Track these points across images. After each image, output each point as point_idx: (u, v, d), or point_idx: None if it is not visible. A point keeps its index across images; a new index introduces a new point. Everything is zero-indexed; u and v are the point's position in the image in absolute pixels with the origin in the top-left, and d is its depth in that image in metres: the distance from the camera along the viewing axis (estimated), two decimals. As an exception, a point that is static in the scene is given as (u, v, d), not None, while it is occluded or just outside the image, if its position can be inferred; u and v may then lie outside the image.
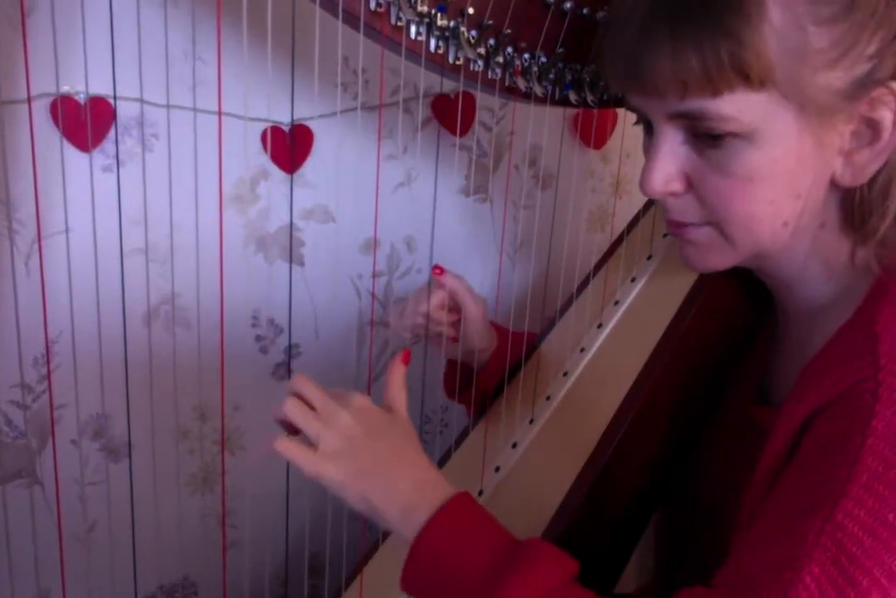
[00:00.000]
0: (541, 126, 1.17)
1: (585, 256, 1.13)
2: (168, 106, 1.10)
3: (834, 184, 0.76)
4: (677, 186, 0.78)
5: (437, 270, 1.04)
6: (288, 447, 0.78)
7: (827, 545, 0.63)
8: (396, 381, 0.85)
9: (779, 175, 0.74)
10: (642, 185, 0.79)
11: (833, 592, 0.62)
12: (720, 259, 0.82)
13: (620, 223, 1.21)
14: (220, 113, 0.96)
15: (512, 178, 1.30)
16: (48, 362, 1.12)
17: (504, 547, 0.74)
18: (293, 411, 0.80)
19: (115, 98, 1.07)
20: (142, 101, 1.08)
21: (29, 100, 1.02)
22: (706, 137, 0.74)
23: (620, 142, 1.33)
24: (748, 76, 0.70)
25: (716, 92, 0.71)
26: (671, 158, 0.77)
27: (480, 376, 1.07)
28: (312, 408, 0.80)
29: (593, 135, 1.30)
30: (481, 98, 1.22)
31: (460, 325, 1.04)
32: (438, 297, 1.03)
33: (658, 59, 0.72)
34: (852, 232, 0.78)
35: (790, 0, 0.69)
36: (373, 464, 0.78)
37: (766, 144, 0.73)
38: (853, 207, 0.77)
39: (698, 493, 0.93)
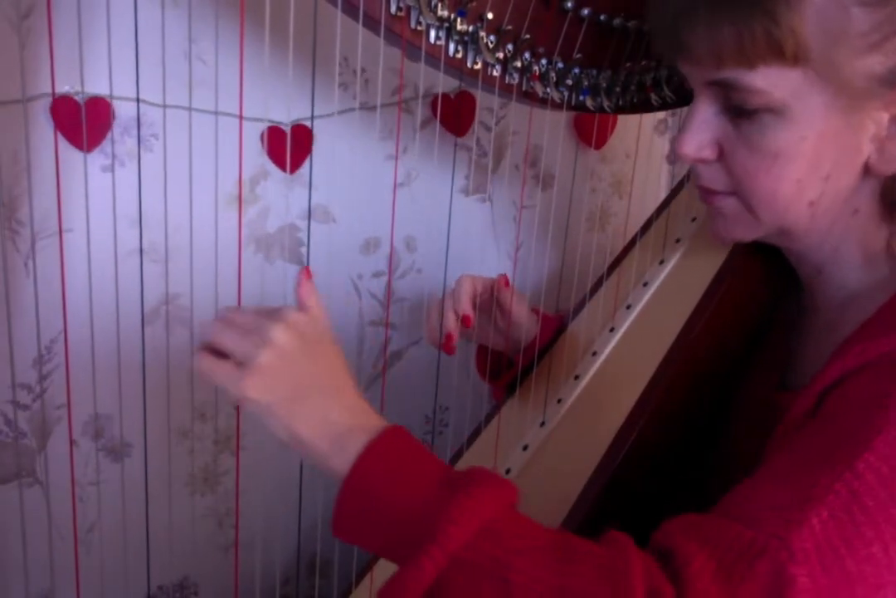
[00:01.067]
0: (541, 126, 1.17)
1: (586, 256, 1.14)
2: (166, 106, 1.09)
3: (868, 171, 0.77)
4: (708, 153, 0.80)
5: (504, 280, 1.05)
6: (211, 365, 0.72)
7: (842, 492, 0.64)
8: (310, 295, 0.78)
9: (805, 154, 0.75)
10: (677, 147, 0.80)
11: (837, 538, 0.62)
12: (745, 231, 0.84)
13: (621, 223, 1.22)
14: (240, 115, 0.95)
15: (512, 178, 1.30)
16: (46, 362, 1.11)
17: (446, 474, 0.70)
18: (219, 332, 0.73)
19: (111, 97, 1.06)
20: (137, 100, 1.07)
21: (30, 100, 1.01)
22: (739, 110, 0.76)
23: (620, 142, 1.34)
24: (782, 52, 0.70)
25: (750, 64, 0.72)
26: (706, 126, 0.79)
27: (524, 356, 1.06)
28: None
29: (594, 135, 1.30)
30: (482, 98, 1.22)
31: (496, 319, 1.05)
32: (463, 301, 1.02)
33: (694, 29, 0.73)
34: (890, 220, 0.79)
35: None
36: (306, 386, 0.72)
37: (796, 122, 0.74)
38: (888, 196, 0.78)
39: (716, 482, 0.94)
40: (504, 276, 1.06)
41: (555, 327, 1.09)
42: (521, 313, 1.07)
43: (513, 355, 1.08)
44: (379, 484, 0.69)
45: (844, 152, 0.75)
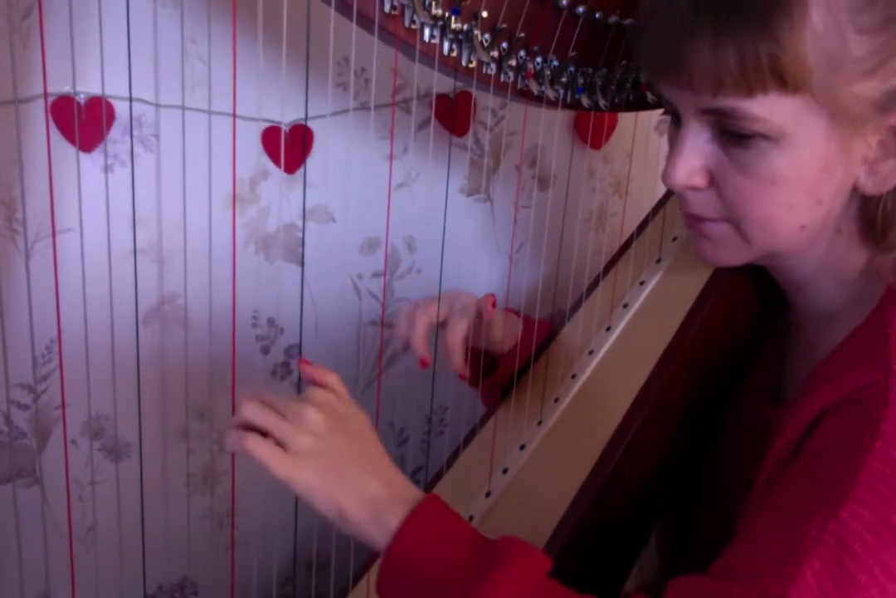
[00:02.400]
0: (541, 126, 1.17)
1: (586, 256, 1.14)
2: (166, 106, 1.10)
3: (855, 191, 0.77)
4: (699, 180, 0.79)
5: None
6: (258, 447, 0.74)
7: (830, 542, 0.64)
8: (326, 374, 0.81)
9: (801, 180, 0.75)
10: (665, 177, 0.79)
11: (832, 588, 0.63)
12: (734, 255, 0.83)
13: (621, 223, 1.22)
14: (233, 114, 0.95)
15: (511, 178, 1.30)
16: (46, 362, 1.11)
17: (481, 545, 0.72)
18: (256, 412, 0.75)
19: (111, 97, 1.06)
20: (130, 100, 1.07)
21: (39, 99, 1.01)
22: (733, 136, 0.75)
23: (621, 142, 1.33)
24: (784, 80, 0.70)
25: (750, 92, 0.71)
26: (696, 153, 0.78)
27: (503, 360, 1.06)
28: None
29: (593, 135, 1.30)
30: (481, 98, 1.22)
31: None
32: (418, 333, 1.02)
33: (697, 52, 0.72)
34: (871, 241, 0.79)
35: (833, 6, 0.69)
36: (344, 464, 0.75)
37: (793, 149, 0.73)
38: (874, 217, 0.78)
39: (707, 492, 0.94)
40: (491, 297, 1.04)
41: (542, 334, 1.08)
42: (502, 333, 1.06)
43: (498, 358, 1.08)
44: (416, 557, 0.71)
45: (838, 176, 0.75)
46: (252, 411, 0.76)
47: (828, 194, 0.76)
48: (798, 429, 0.74)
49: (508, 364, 1.05)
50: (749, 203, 0.77)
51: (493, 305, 1.03)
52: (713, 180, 0.79)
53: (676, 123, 0.81)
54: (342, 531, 0.76)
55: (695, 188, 0.80)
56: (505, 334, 1.06)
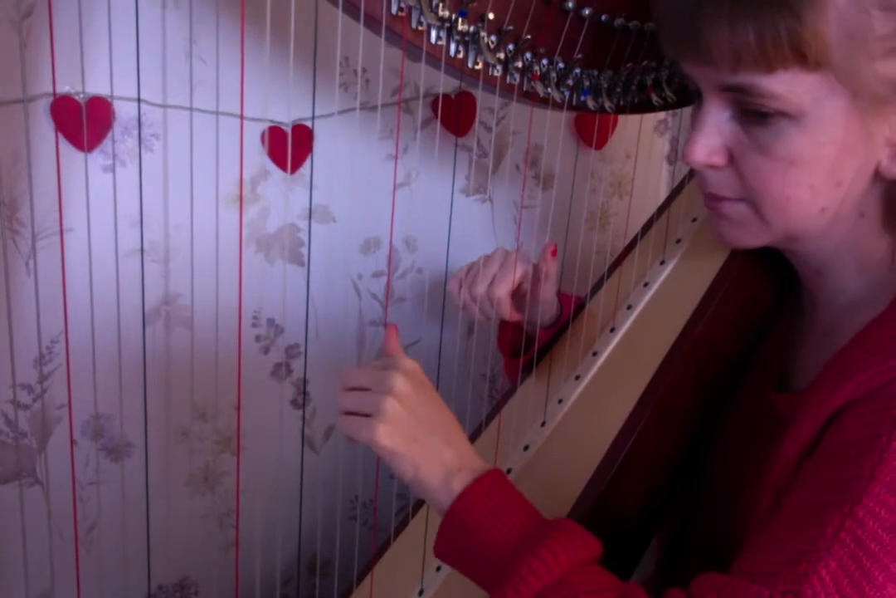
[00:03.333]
0: (541, 126, 1.17)
1: (586, 256, 1.14)
2: (167, 106, 1.09)
3: (878, 175, 0.76)
4: (718, 159, 0.78)
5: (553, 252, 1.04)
6: (346, 423, 0.79)
7: (846, 541, 0.65)
8: (399, 349, 0.84)
9: (821, 160, 0.74)
10: (685, 154, 0.79)
11: (848, 586, 0.64)
12: (752, 236, 0.83)
13: (621, 223, 1.22)
14: (241, 115, 0.95)
15: (512, 178, 1.30)
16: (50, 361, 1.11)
17: (534, 521, 0.76)
18: (347, 401, 0.79)
19: (112, 97, 1.06)
20: (138, 100, 1.07)
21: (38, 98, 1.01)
22: (753, 114, 0.75)
23: (621, 142, 1.34)
24: (804, 55, 0.69)
25: (769, 68, 0.71)
26: (716, 131, 0.77)
27: (543, 334, 1.08)
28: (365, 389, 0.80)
29: (594, 135, 1.30)
30: (483, 98, 1.23)
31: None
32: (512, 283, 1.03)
33: (715, 28, 0.71)
34: (892, 226, 0.79)
35: None
36: (424, 430, 0.78)
37: (813, 128, 0.73)
38: (893, 201, 0.77)
39: (710, 483, 0.94)
40: (553, 244, 1.05)
41: (572, 306, 1.10)
42: (549, 295, 1.07)
43: (531, 334, 1.09)
44: (473, 523, 0.75)
45: (859, 158, 0.75)
46: (342, 400, 0.80)
47: (848, 176, 0.75)
48: (816, 423, 0.74)
49: (545, 337, 1.08)
50: (767, 183, 0.77)
51: (554, 253, 1.04)
52: (732, 159, 0.78)
53: (699, 100, 0.80)
54: (412, 490, 0.80)
55: (714, 167, 0.79)
56: (552, 292, 1.08)
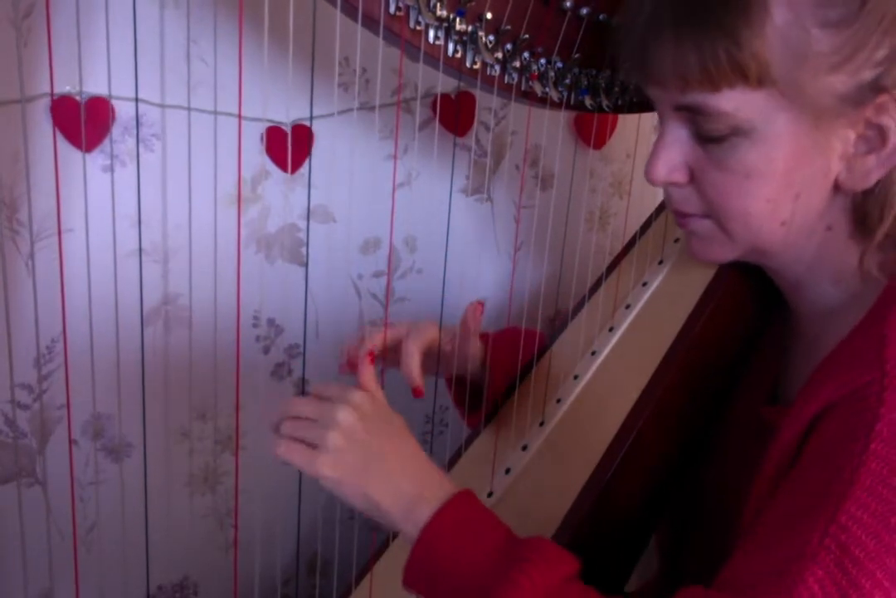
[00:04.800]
0: (541, 126, 1.17)
1: (586, 256, 1.14)
2: (166, 106, 1.10)
3: (839, 188, 0.77)
4: (679, 176, 0.81)
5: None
6: (287, 450, 0.78)
7: (830, 548, 0.64)
8: (371, 379, 0.84)
9: (776, 174, 0.76)
10: (646, 172, 0.81)
11: (836, 594, 0.63)
12: (721, 251, 0.85)
13: (621, 223, 1.22)
14: (239, 115, 0.96)
15: (512, 178, 1.30)
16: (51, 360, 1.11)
17: (506, 545, 0.74)
18: (289, 428, 0.79)
19: (111, 97, 1.06)
20: (136, 100, 1.07)
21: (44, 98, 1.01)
22: (707, 131, 0.76)
23: (621, 142, 1.34)
24: (745, 75, 0.71)
25: (715, 87, 0.73)
26: (675, 149, 0.80)
27: (488, 389, 1.05)
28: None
29: (593, 135, 1.30)
30: (483, 98, 1.23)
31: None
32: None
33: (660, 53, 0.74)
34: (860, 237, 0.79)
35: (796, 1, 0.70)
36: (374, 459, 0.77)
37: (764, 142, 0.74)
38: (863, 213, 0.78)
39: (706, 494, 0.94)
40: (479, 304, 1.01)
41: (538, 346, 1.07)
42: (475, 349, 1.04)
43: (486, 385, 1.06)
44: (442, 553, 0.74)
45: (814, 171, 0.76)
46: (285, 426, 0.79)
47: (804, 188, 0.77)
48: (796, 431, 0.74)
49: (493, 388, 1.05)
50: (726, 198, 0.79)
51: (481, 312, 1.01)
52: (693, 177, 0.80)
53: (663, 120, 0.82)
54: (381, 523, 0.78)
55: (675, 184, 0.82)
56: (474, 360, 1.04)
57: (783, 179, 0.76)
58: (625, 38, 0.80)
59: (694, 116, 0.76)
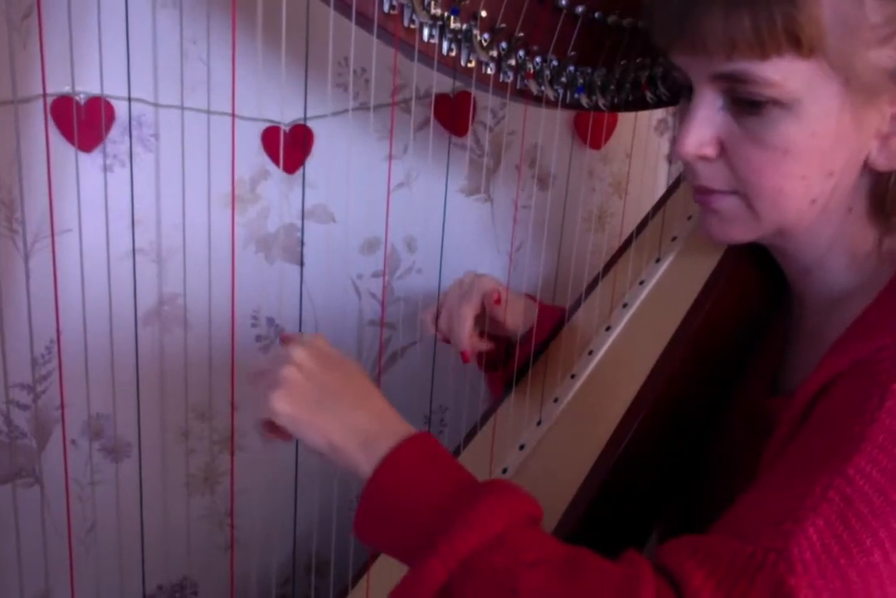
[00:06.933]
0: (541, 126, 1.17)
1: (586, 256, 1.14)
2: (165, 106, 1.10)
3: (867, 167, 0.76)
4: (710, 150, 0.78)
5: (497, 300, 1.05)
6: (256, 393, 0.77)
7: (835, 500, 0.62)
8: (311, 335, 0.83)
9: (814, 151, 0.74)
10: (676, 146, 0.78)
11: (836, 546, 0.61)
12: (742, 231, 0.82)
13: (620, 223, 1.22)
14: (232, 114, 0.96)
15: (512, 178, 1.30)
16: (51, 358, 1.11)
17: (465, 483, 0.72)
18: (251, 380, 0.78)
19: (111, 97, 1.07)
20: (133, 100, 1.07)
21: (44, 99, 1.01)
22: (746, 103, 0.74)
23: (621, 142, 1.33)
24: (799, 41, 0.69)
25: (764, 55, 0.70)
26: (708, 122, 0.77)
27: (522, 348, 1.05)
28: None
29: (593, 135, 1.30)
30: (481, 98, 1.23)
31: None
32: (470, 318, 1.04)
33: (710, 15, 0.71)
34: (880, 220, 0.78)
35: None
36: (330, 395, 0.76)
37: (805, 117, 0.72)
38: (884, 194, 0.77)
39: (709, 485, 0.93)
40: (497, 294, 1.05)
41: (555, 320, 1.08)
42: (515, 321, 1.07)
43: (510, 346, 1.08)
44: (400, 487, 0.71)
45: (851, 148, 0.74)
46: (250, 380, 0.78)
47: (839, 167, 0.75)
48: (798, 410, 0.73)
49: (524, 351, 1.05)
50: (760, 174, 0.76)
51: (498, 301, 1.04)
52: (724, 151, 0.77)
53: (688, 96, 0.79)
54: (333, 463, 0.75)
55: (705, 158, 0.78)
56: (520, 321, 1.06)
57: (821, 156, 0.74)
58: (661, 3, 0.76)
59: (733, 86, 0.73)
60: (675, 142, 0.79)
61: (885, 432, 0.64)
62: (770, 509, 0.65)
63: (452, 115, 1.23)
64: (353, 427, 0.74)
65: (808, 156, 0.74)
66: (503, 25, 0.85)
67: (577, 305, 1.08)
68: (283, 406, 0.74)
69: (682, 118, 0.80)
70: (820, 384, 0.72)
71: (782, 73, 0.71)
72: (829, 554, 0.61)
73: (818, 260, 0.83)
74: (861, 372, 0.69)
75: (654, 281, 1.00)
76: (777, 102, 0.72)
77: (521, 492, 0.71)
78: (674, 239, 1.03)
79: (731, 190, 0.79)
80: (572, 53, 0.89)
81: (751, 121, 0.74)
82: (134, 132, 1.10)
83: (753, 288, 0.93)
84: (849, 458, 0.64)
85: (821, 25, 0.68)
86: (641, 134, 1.21)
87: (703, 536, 0.66)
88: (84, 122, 1.06)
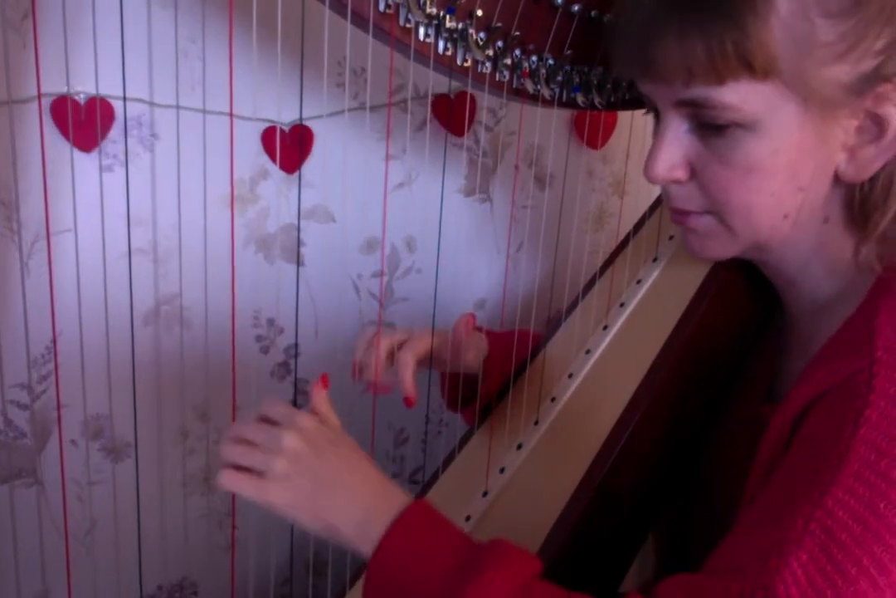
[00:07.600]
0: (541, 126, 1.17)
1: (584, 256, 1.14)
2: (166, 106, 1.10)
3: (838, 179, 0.77)
4: (680, 173, 0.80)
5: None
6: (232, 480, 0.77)
7: (816, 533, 0.64)
8: (322, 403, 0.83)
9: (780, 167, 0.75)
10: (646, 170, 0.80)
11: (821, 579, 0.62)
12: (721, 248, 0.84)
13: (620, 223, 1.21)
14: (230, 113, 0.96)
15: (511, 178, 1.30)
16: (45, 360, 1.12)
17: (464, 551, 0.73)
18: (231, 453, 0.77)
19: (111, 97, 1.07)
20: (132, 100, 1.07)
21: (38, 100, 1.01)
22: (710, 126, 0.76)
23: (620, 142, 1.33)
24: (752, 66, 0.71)
25: (720, 80, 0.72)
26: (676, 146, 0.79)
27: (483, 386, 1.04)
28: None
29: (592, 135, 1.30)
30: (481, 98, 1.22)
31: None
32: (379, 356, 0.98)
33: (665, 46, 0.73)
34: (856, 229, 0.79)
35: None
36: (323, 482, 0.76)
37: (768, 135, 0.74)
38: (856, 204, 0.78)
39: (705, 491, 0.94)
40: (470, 316, 1.02)
41: (510, 345, 1.06)
42: (474, 355, 1.04)
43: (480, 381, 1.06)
44: (400, 566, 0.72)
45: (817, 163, 0.76)
46: (227, 451, 0.78)
47: (807, 181, 0.76)
48: (785, 423, 0.74)
49: (486, 390, 1.05)
50: (729, 193, 0.78)
51: (472, 325, 1.01)
52: (694, 173, 0.79)
53: (658, 118, 0.81)
54: (337, 545, 0.77)
55: (676, 181, 0.81)
56: (474, 355, 1.05)
57: (787, 171, 0.75)
58: (622, 35, 0.79)
59: (695, 111, 0.75)
60: (645, 165, 0.80)
61: (860, 461, 0.65)
62: (757, 542, 0.67)
63: (451, 115, 1.23)
64: (347, 510, 0.76)
65: (773, 172, 0.76)
66: (499, 24, 0.85)
67: (574, 303, 1.07)
68: (278, 499, 0.75)
69: (653, 141, 0.81)
70: (806, 398, 0.72)
71: (741, 97, 0.73)
72: (815, 588, 0.62)
73: (800, 271, 0.84)
74: (837, 397, 0.70)
75: (651, 280, 1.00)
76: (739, 124, 0.74)
77: (518, 555, 0.73)
78: (671, 238, 1.03)
79: (704, 210, 0.81)
80: (568, 52, 0.89)
81: (716, 142, 0.76)
82: (133, 132, 1.10)
83: (747, 293, 0.93)
84: (826, 490, 0.65)
85: (771, 49, 0.70)
86: (640, 134, 1.21)
87: (694, 576, 0.68)
88: (83, 122, 1.06)
